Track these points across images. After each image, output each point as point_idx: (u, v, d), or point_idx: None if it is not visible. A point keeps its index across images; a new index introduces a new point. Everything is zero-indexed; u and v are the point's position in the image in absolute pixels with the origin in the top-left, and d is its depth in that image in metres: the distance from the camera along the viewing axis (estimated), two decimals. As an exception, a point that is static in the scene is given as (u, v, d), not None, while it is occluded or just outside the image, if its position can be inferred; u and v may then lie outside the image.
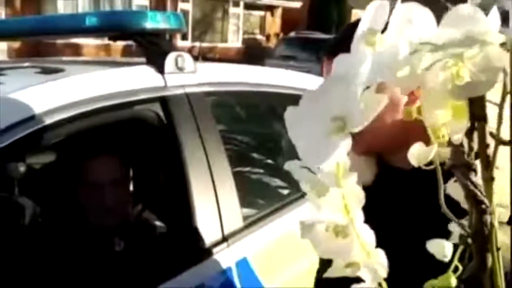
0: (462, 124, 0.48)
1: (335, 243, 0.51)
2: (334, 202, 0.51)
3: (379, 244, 1.16)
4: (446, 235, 0.54)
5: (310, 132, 0.47)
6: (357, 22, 1.12)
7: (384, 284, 0.52)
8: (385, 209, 1.14)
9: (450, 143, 0.50)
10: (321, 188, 0.51)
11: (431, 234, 0.56)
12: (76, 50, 14.31)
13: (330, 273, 0.54)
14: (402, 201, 0.95)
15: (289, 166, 0.54)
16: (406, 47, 0.46)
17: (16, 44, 13.53)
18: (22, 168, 1.96)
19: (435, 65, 0.45)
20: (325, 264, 1.27)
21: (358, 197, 0.51)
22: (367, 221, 1.25)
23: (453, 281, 0.49)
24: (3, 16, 14.52)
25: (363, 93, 0.46)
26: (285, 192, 2.19)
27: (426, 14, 0.48)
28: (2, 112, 1.29)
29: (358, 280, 0.58)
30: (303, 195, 1.69)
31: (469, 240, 0.49)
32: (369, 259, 0.51)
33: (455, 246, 0.51)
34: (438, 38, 0.45)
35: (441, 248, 0.52)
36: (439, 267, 0.52)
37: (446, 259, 0.51)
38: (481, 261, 0.49)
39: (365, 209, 1.24)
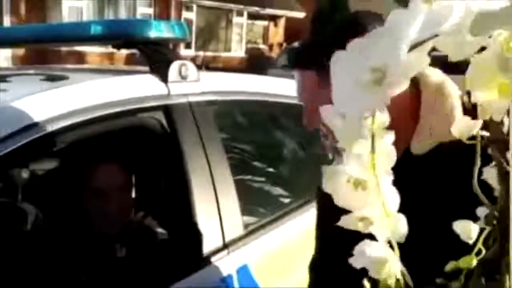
0: (505, 103, 0.47)
1: (353, 195, 0.51)
2: (362, 155, 0.50)
3: None
4: (458, 217, 0.53)
5: (348, 78, 0.47)
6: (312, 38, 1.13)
7: (396, 247, 0.51)
8: (402, 194, 1.16)
9: (491, 120, 0.49)
10: (351, 138, 0.50)
11: (447, 218, 0.56)
12: (80, 57, 14.35)
13: (343, 223, 0.54)
14: (418, 186, 0.96)
15: (323, 110, 0.53)
16: (461, 9, 0.45)
17: (20, 51, 13.58)
18: (25, 174, 1.98)
19: (485, 37, 0.44)
20: (321, 252, 1.27)
21: (389, 156, 0.50)
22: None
23: (474, 263, 0.49)
24: (8, 23, 14.59)
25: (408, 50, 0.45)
26: (286, 200, 2.20)
27: None
28: (6, 118, 1.30)
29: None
30: (303, 203, 1.71)
31: (495, 221, 0.49)
32: (388, 219, 0.50)
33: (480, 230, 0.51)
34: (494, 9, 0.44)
35: (468, 229, 0.51)
36: (453, 252, 0.52)
37: (471, 241, 0.50)
38: (502, 245, 0.48)
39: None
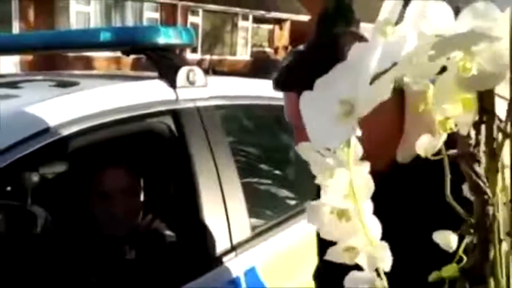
0: (470, 117, 0.49)
1: (337, 226, 0.52)
2: (341, 186, 0.52)
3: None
4: (443, 228, 0.54)
5: (320, 115, 0.50)
6: (303, 51, 1.15)
7: (383, 276, 0.53)
8: (383, 204, 1.18)
9: (457, 134, 0.51)
10: (328, 171, 0.52)
11: (429, 227, 0.57)
12: (87, 62, 14.42)
13: (329, 256, 0.55)
14: (407, 195, 0.98)
15: (301, 148, 0.55)
16: (414, 38, 0.48)
17: (29, 57, 13.65)
18: (35, 179, 2.01)
19: (443, 58, 0.47)
20: (324, 260, 1.29)
21: (367, 185, 0.52)
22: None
23: (457, 271, 0.50)
24: (17, 28, 14.67)
25: (373, 80, 0.48)
26: (293, 203, 2.22)
27: (443, 8, 0.49)
28: (18, 124, 1.33)
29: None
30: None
31: (472, 230, 0.50)
32: (372, 248, 0.52)
33: (460, 238, 0.52)
34: (450, 32, 0.47)
35: (447, 239, 0.53)
36: (432, 261, 0.54)
37: (451, 250, 0.52)
38: (483, 252, 0.50)
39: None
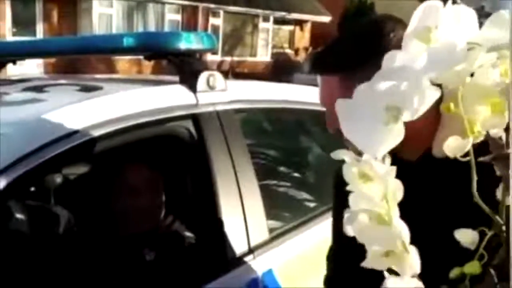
0: (500, 120, 0.51)
1: (377, 231, 0.54)
2: (376, 192, 0.53)
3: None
4: (465, 224, 0.56)
5: (362, 123, 0.50)
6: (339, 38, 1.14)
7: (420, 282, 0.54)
8: (409, 194, 1.19)
9: (488, 136, 0.52)
10: (365, 177, 0.54)
11: (451, 222, 0.59)
12: (109, 64, 14.56)
13: (368, 263, 0.56)
14: (410, 192, 1.00)
15: (338, 154, 0.57)
16: (463, 44, 0.48)
17: (52, 59, 13.84)
18: (60, 181, 2.06)
19: (485, 63, 0.49)
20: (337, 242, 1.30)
21: (396, 190, 0.54)
22: None
23: (479, 268, 0.51)
24: (41, 30, 14.87)
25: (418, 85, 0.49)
26: (311, 205, 2.24)
27: (471, 15, 0.51)
28: (45, 128, 1.37)
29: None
30: (328, 209, 1.75)
31: (503, 228, 0.52)
32: (405, 252, 0.53)
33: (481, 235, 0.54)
34: (484, 39, 0.48)
35: (469, 237, 0.54)
36: (454, 256, 0.55)
37: (473, 247, 0.53)
38: (509, 250, 0.51)
39: None
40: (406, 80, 0.49)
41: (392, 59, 0.52)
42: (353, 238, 1.38)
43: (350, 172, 0.56)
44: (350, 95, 1.13)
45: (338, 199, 1.36)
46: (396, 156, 1.14)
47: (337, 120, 1.14)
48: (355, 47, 1.07)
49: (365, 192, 0.54)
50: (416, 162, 1.04)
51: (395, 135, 0.50)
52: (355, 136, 0.52)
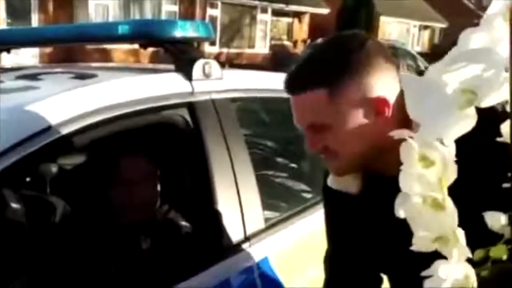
0: None
1: (432, 217, 0.52)
2: (435, 177, 0.52)
3: (381, 245, 1.19)
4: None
5: (434, 105, 0.48)
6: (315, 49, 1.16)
7: (470, 267, 0.52)
8: (376, 213, 1.18)
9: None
10: (426, 160, 0.52)
11: (477, 207, 0.58)
12: (106, 54, 14.52)
13: (416, 247, 0.55)
14: (390, 207, 1.01)
15: (396, 133, 0.55)
16: None
17: (48, 49, 13.78)
18: (54, 169, 2.05)
19: None
20: (333, 244, 1.31)
21: (453, 171, 0.52)
22: (358, 225, 1.28)
23: (505, 252, 0.51)
24: (36, 20, 14.81)
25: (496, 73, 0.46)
26: (307, 195, 2.24)
27: None
28: (38, 115, 1.36)
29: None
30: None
31: None
32: (456, 236, 0.52)
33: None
34: None
35: (498, 220, 0.53)
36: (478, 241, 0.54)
37: (501, 231, 0.52)
38: None
39: (354, 215, 1.29)
40: (485, 64, 0.46)
41: (468, 39, 0.49)
42: (348, 241, 1.38)
43: (409, 154, 0.54)
44: (337, 104, 1.13)
45: (328, 204, 1.38)
46: (375, 173, 1.16)
47: (315, 144, 1.16)
48: (335, 59, 1.10)
49: (424, 175, 0.52)
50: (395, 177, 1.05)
51: (468, 120, 0.48)
52: (423, 117, 0.50)
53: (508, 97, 0.48)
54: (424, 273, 0.54)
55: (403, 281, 1.23)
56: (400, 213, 0.55)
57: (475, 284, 0.52)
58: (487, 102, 0.47)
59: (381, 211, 1.16)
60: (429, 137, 0.51)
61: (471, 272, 0.52)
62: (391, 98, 1.08)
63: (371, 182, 1.20)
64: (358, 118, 1.09)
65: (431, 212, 0.52)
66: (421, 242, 0.55)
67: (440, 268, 0.53)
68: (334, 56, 1.10)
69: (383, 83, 1.09)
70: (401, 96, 1.08)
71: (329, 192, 1.29)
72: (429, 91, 0.49)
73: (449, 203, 0.52)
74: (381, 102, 1.08)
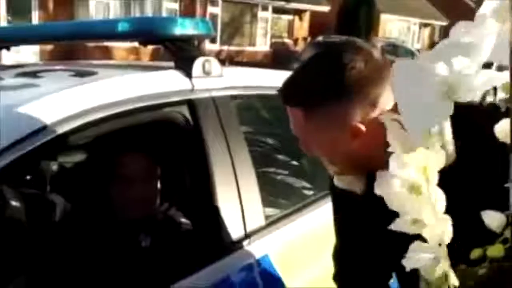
0: None
1: (408, 200, 0.54)
2: (417, 162, 0.53)
3: (388, 242, 1.22)
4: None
5: (418, 91, 0.48)
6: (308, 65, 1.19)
7: (445, 248, 0.54)
8: (379, 213, 1.22)
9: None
10: (408, 146, 0.53)
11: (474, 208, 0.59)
12: (106, 52, 14.52)
13: (396, 226, 0.57)
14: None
15: (385, 117, 0.56)
16: None
17: (48, 46, 13.78)
18: (54, 167, 2.05)
19: None
20: (341, 241, 1.34)
21: (439, 160, 0.53)
22: (364, 223, 1.31)
23: (502, 252, 0.51)
24: (36, 18, 14.80)
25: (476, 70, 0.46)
26: (307, 192, 2.24)
27: None
28: (38, 113, 1.35)
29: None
30: (324, 195, 1.78)
31: None
32: (436, 221, 0.53)
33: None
34: None
35: (496, 220, 0.54)
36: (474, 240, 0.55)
37: (498, 231, 0.53)
38: None
39: (360, 213, 1.31)
40: (468, 58, 0.47)
41: (460, 30, 0.49)
42: (355, 236, 1.41)
43: (394, 141, 0.55)
44: (313, 126, 1.16)
45: (336, 202, 1.41)
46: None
47: (310, 148, 1.21)
48: (315, 83, 1.11)
49: (407, 163, 0.54)
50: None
51: (447, 111, 0.48)
52: (406, 102, 0.50)
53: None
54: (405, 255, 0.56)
55: (409, 278, 1.25)
56: (378, 190, 0.58)
57: (449, 269, 0.53)
58: (464, 97, 0.47)
59: (384, 209, 1.17)
60: (412, 125, 0.51)
61: (443, 258, 0.53)
62: (374, 115, 1.09)
63: (373, 181, 1.21)
64: (334, 140, 1.12)
65: (407, 195, 0.54)
66: (401, 223, 0.56)
67: (412, 247, 0.55)
68: (316, 80, 1.11)
69: (363, 107, 1.09)
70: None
71: (336, 190, 1.30)
72: (418, 77, 0.49)
73: (431, 188, 0.53)
74: (354, 129, 1.10)
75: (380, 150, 1.12)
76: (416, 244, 0.55)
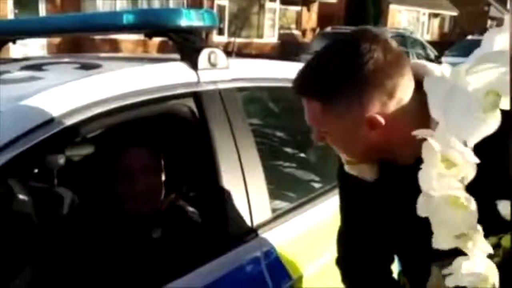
0: None
1: (450, 214, 0.53)
2: (458, 177, 0.53)
3: (394, 227, 1.21)
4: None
5: (457, 107, 0.48)
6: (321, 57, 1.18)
7: (490, 261, 0.53)
8: (390, 198, 1.24)
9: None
10: (448, 162, 0.53)
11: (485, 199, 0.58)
12: (114, 45, 14.52)
13: (436, 244, 0.56)
14: (405, 192, 1.01)
15: (420, 133, 0.55)
16: None
17: (56, 39, 13.79)
18: (61, 160, 2.05)
19: None
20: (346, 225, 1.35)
21: (471, 174, 0.53)
22: (376, 210, 1.32)
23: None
24: (43, 10, 14.82)
25: None
26: (314, 185, 2.23)
27: None
28: (42, 106, 1.35)
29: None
30: (331, 188, 1.79)
31: None
32: (477, 234, 0.53)
33: None
34: None
35: (510, 210, 0.54)
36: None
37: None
38: None
39: (368, 200, 1.32)
40: (506, 65, 0.46)
41: (491, 40, 0.48)
42: (361, 221, 1.42)
43: (430, 153, 0.55)
44: (330, 117, 1.15)
45: (343, 189, 1.42)
46: (390, 162, 1.19)
47: (322, 137, 1.20)
48: (332, 74, 1.10)
49: (445, 175, 0.54)
50: (410, 165, 1.06)
51: (492, 123, 0.47)
52: (446, 119, 0.50)
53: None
54: (445, 272, 0.55)
55: (412, 261, 1.27)
56: (422, 212, 0.56)
57: (496, 282, 0.53)
58: (505, 104, 0.47)
59: (393, 196, 1.18)
60: (452, 140, 0.51)
61: (491, 269, 0.53)
62: (393, 107, 1.09)
63: (386, 169, 1.22)
64: (352, 131, 1.12)
65: (452, 211, 0.53)
66: (442, 240, 0.56)
67: (463, 265, 0.54)
68: (333, 71, 1.10)
69: (380, 98, 1.08)
70: (416, 93, 1.09)
71: (345, 175, 1.30)
72: (453, 93, 0.48)
73: (471, 202, 0.53)
74: (372, 120, 1.09)
75: (396, 141, 1.12)
76: (459, 260, 0.54)
